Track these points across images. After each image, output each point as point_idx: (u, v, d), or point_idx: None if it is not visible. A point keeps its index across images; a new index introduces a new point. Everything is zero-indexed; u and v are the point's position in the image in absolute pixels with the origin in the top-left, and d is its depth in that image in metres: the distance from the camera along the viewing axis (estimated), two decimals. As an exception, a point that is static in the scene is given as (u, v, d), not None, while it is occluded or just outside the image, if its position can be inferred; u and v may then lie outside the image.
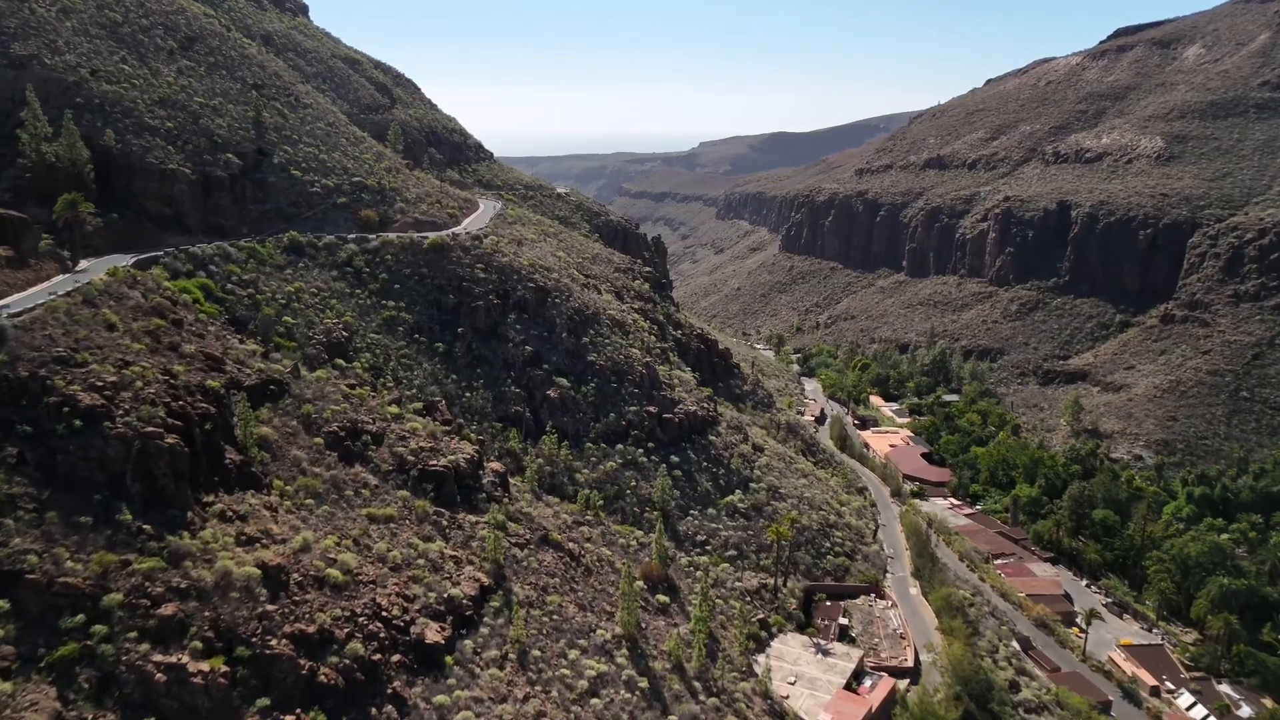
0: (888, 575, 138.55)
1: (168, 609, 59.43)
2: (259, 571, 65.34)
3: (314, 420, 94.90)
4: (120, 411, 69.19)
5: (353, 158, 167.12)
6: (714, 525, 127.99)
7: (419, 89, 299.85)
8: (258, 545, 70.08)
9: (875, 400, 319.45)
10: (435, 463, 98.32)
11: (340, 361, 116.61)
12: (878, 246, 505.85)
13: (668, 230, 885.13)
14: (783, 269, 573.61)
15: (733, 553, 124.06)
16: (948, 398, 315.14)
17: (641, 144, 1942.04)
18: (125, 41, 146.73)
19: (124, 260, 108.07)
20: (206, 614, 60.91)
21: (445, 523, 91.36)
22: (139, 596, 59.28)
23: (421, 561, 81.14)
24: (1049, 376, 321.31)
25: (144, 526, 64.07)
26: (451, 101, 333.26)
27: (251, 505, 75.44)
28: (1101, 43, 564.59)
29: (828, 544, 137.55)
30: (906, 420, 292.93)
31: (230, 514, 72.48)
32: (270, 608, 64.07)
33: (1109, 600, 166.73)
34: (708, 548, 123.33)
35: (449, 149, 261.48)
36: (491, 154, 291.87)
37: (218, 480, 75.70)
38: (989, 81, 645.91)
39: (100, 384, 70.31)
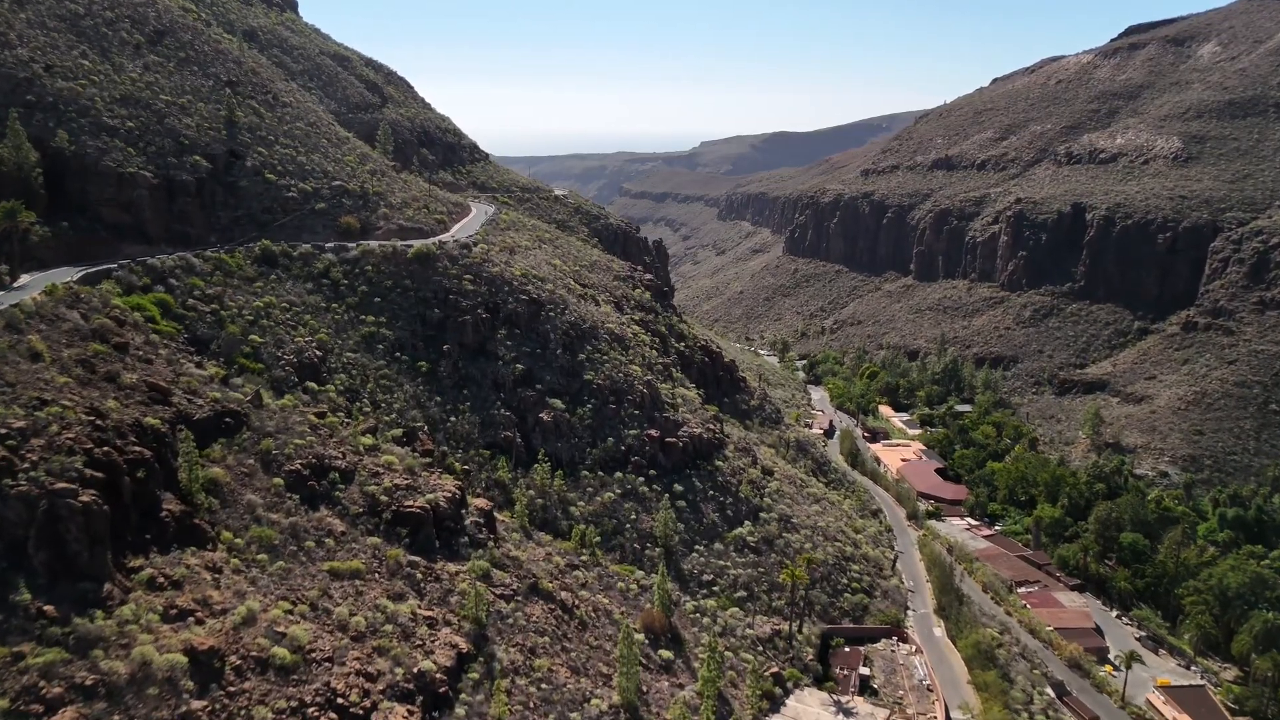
0: (909, 613, 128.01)
1: (66, 715, 48.95)
2: (185, 659, 54.85)
3: (274, 457, 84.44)
4: (26, 465, 58.69)
5: (334, 160, 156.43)
6: (722, 562, 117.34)
7: (412, 87, 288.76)
8: (190, 621, 59.62)
9: (885, 410, 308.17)
10: (411, 503, 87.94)
11: (312, 384, 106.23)
12: (884, 249, 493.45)
13: (669, 231, 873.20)
14: (786, 271, 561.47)
15: (742, 594, 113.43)
16: (960, 408, 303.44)
17: (642, 144, 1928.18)
18: (86, 35, 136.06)
19: (71, 274, 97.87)
20: (116, 718, 50.38)
21: (420, 575, 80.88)
22: (31, 700, 48.86)
23: (389, 628, 70.57)
24: (1065, 386, 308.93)
25: (45, 608, 53.54)
26: (448, 100, 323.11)
27: (190, 567, 64.94)
28: (1113, 40, 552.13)
29: (844, 579, 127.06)
30: (918, 432, 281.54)
31: (161, 580, 62.02)
32: (197, 705, 53.61)
33: (1142, 634, 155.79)
34: (715, 589, 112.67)
35: (442, 149, 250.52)
36: (487, 155, 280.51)
37: (150, 538, 65.30)
38: (995, 80, 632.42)
39: (4, 431, 59.75)
